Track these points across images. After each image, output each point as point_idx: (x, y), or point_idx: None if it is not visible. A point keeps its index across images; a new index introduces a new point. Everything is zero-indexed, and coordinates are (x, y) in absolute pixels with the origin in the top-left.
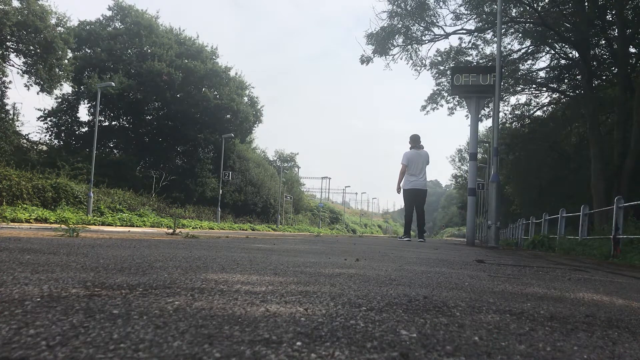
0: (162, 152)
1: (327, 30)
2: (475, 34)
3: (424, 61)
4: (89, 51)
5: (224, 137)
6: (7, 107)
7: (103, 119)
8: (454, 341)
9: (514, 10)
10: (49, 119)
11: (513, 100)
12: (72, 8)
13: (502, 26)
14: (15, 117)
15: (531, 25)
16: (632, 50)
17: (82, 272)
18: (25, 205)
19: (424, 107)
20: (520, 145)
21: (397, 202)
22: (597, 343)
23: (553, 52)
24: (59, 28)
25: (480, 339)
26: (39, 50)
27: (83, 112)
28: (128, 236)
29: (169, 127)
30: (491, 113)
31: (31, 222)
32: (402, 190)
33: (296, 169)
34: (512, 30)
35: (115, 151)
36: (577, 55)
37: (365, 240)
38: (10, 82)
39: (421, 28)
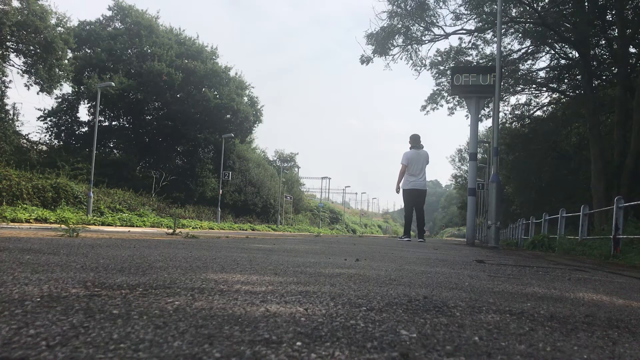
0: (162, 152)
1: (326, 30)
2: (475, 34)
3: (424, 61)
4: (89, 51)
5: (224, 137)
6: (7, 107)
7: (103, 119)
8: (454, 341)
9: (514, 10)
10: (49, 119)
11: (513, 100)
12: (72, 8)
13: (502, 26)
14: (15, 117)
15: (531, 25)
16: (632, 50)
17: (82, 272)
18: (25, 205)
19: (424, 107)
20: (520, 145)
21: (397, 202)
22: (597, 343)
23: (553, 52)
24: (59, 28)
25: (480, 339)
26: (39, 50)
27: (83, 112)
28: (128, 236)
29: (169, 127)
30: (491, 113)
31: (31, 222)
32: (401, 190)
33: (296, 169)
34: (512, 30)
35: (115, 151)
36: (577, 55)
37: (365, 240)
38: (10, 82)
39: (421, 28)
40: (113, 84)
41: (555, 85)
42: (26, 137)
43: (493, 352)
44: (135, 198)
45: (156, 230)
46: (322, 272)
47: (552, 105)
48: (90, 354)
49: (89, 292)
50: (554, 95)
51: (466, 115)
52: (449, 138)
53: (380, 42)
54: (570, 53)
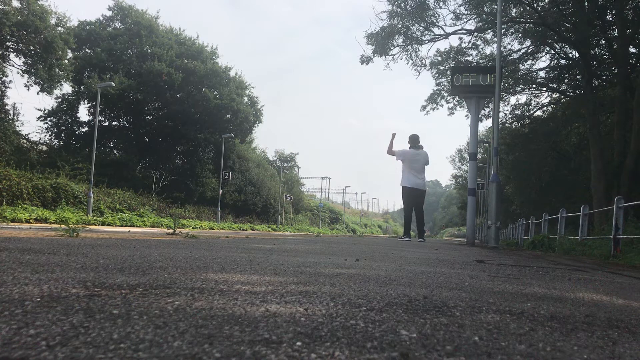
0: (162, 152)
1: (326, 30)
2: (475, 34)
3: (424, 61)
4: (89, 51)
5: (224, 137)
6: (7, 107)
7: (103, 119)
8: (454, 341)
9: (514, 10)
10: (49, 119)
11: (513, 100)
12: (72, 8)
13: (502, 26)
14: (15, 117)
15: (531, 25)
16: (632, 50)
17: (82, 272)
18: (25, 205)
19: (424, 107)
20: (520, 145)
21: (397, 202)
22: (597, 343)
23: (553, 52)
24: (59, 28)
25: (480, 339)
26: (39, 50)
27: (83, 112)
28: (128, 236)
29: (169, 127)
30: (491, 113)
31: (31, 222)
32: (401, 187)
33: (296, 169)
34: (512, 30)
35: (115, 151)
36: (577, 55)
37: (365, 240)
38: (10, 82)
39: (421, 28)
40: (113, 84)
41: (555, 85)
42: (26, 137)
43: (493, 352)
44: (135, 198)
45: (156, 230)
46: (322, 272)
47: (552, 105)
48: (90, 354)
49: (89, 292)
50: (554, 95)
51: (466, 115)
52: (449, 138)
53: (380, 42)
54: (570, 53)
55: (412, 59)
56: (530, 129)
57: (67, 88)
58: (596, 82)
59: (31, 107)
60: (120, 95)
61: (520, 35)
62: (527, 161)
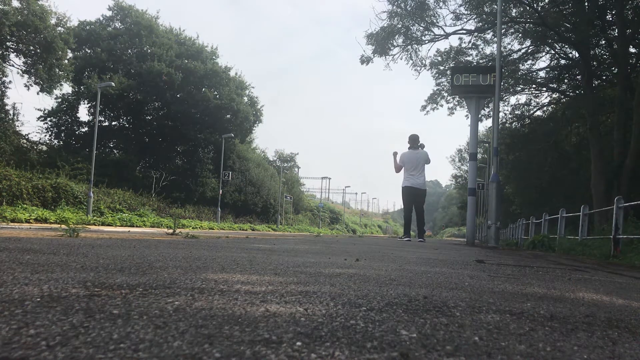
0: (162, 152)
1: (326, 30)
2: (475, 34)
3: (424, 61)
4: (89, 51)
5: (224, 137)
6: (7, 107)
7: (103, 119)
8: (454, 341)
9: (514, 10)
10: (48, 119)
11: (513, 100)
12: (72, 8)
13: (502, 26)
14: (15, 117)
15: (531, 25)
16: (632, 50)
17: (82, 272)
18: (25, 205)
19: (424, 107)
20: (520, 145)
21: (397, 202)
22: (597, 343)
23: (553, 52)
24: (59, 28)
25: (480, 339)
26: (39, 50)
27: (83, 112)
28: (128, 236)
29: (169, 127)
30: (491, 113)
31: (31, 222)
32: (401, 188)
33: (296, 169)
34: (512, 30)
35: (115, 151)
36: (577, 55)
37: (365, 241)
38: (10, 82)
39: (421, 28)
40: (113, 84)
41: (555, 85)
42: (26, 137)
43: (493, 352)
44: (135, 198)
45: (156, 231)
46: (322, 272)
47: (552, 105)
48: (90, 354)
49: (89, 292)
50: (554, 95)
51: (466, 115)
52: (449, 138)
53: (380, 42)
54: (570, 53)
55: (412, 59)
56: (530, 129)
57: (67, 88)
58: (596, 82)
59: (31, 107)
60: (120, 95)
61: (520, 35)
62: (527, 161)
